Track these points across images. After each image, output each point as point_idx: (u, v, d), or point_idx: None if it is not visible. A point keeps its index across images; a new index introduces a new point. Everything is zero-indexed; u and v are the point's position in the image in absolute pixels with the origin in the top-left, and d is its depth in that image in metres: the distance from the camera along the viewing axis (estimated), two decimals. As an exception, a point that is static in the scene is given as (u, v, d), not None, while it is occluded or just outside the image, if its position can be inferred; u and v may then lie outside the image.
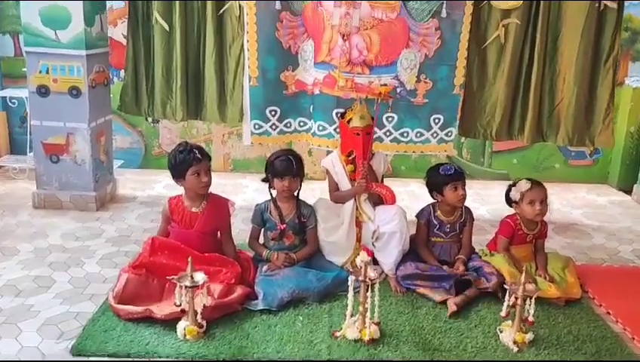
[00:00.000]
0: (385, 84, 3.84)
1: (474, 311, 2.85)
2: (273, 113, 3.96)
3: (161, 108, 4.12)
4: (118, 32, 4.87)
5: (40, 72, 3.91)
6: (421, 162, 5.15)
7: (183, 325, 2.53)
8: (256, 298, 2.81)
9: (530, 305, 2.51)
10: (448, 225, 3.18)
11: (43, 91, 3.95)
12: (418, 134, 3.98)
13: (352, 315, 2.59)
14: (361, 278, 2.50)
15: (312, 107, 3.95)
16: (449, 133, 3.99)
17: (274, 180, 3.06)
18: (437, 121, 3.95)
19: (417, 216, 3.24)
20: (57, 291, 2.92)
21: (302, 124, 4.04)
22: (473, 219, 3.25)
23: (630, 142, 5.07)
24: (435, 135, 3.99)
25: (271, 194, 3.14)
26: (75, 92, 3.95)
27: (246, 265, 3.04)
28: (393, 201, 3.18)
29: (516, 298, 2.52)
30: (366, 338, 2.52)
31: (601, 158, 5.32)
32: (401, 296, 2.98)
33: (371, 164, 3.23)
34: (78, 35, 3.84)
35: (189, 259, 2.50)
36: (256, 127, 3.99)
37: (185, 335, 2.51)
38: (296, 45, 3.87)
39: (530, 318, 2.52)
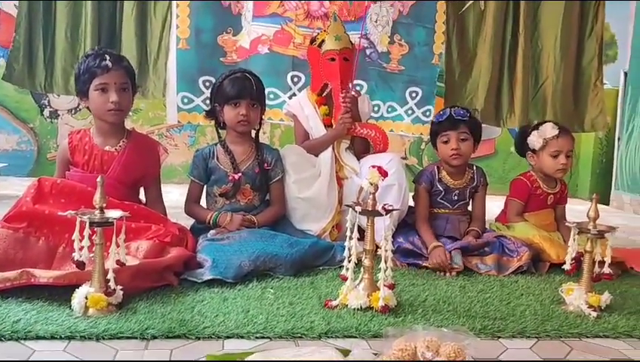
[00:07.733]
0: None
1: (511, 281, 2.06)
2: (208, 85, 3.14)
3: (62, 82, 3.19)
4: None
5: None
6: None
7: (83, 292, 1.52)
8: (201, 267, 1.86)
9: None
10: (456, 192, 2.40)
11: None
12: (390, 109, 3.29)
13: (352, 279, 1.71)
14: (366, 209, 1.65)
15: None
16: (427, 113, 3.33)
17: (223, 109, 2.17)
18: (414, 95, 3.29)
19: (415, 180, 2.43)
20: None
21: None
22: (487, 184, 2.49)
23: (599, 148, 4.66)
24: (410, 112, 3.32)
25: (219, 134, 2.25)
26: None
27: (181, 236, 2.07)
28: (386, 146, 2.38)
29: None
30: (378, 304, 1.63)
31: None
32: (406, 270, 2.13)
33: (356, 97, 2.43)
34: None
35: (99, 179, 1.55)
36: (185, 101, 3.13)
37: (86, 307, 1.50)
38: (239, 4, 3.14)
39: (607, 270, 1.77)
